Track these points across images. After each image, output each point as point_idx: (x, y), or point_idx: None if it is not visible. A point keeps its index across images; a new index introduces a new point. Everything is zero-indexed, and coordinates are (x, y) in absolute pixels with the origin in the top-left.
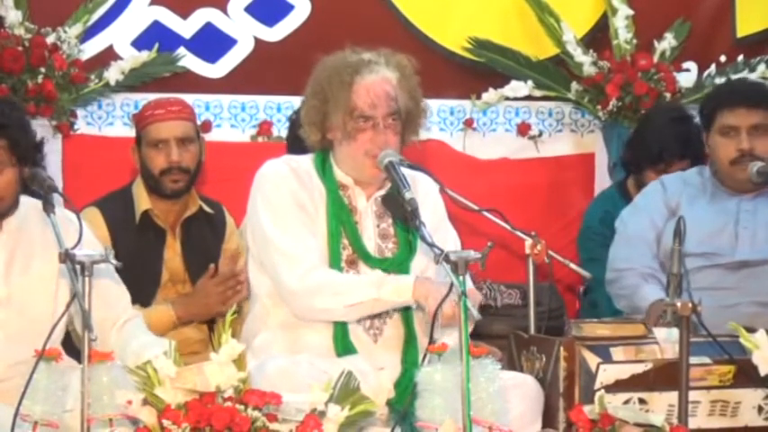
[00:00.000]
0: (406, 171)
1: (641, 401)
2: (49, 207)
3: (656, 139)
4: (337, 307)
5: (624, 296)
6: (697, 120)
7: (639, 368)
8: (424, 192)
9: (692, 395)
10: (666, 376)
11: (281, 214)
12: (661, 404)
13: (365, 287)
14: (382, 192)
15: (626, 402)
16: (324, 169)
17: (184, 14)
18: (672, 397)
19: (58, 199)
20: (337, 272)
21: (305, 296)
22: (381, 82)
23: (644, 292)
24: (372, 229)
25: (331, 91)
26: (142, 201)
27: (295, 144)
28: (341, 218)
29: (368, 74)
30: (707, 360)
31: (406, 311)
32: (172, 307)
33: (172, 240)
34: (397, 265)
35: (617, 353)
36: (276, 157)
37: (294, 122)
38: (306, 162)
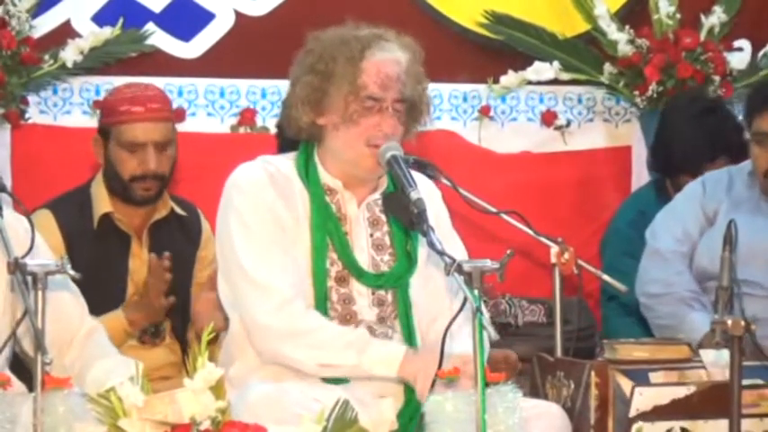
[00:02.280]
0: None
1: (684, 431)
2: None
3: (677, 142)
4: (309, 363)
5: (666, 326)
6: (728, 106)
7: (681, 392)
8: (426, 194)
9: (744, 424)
10: (713, 401)
11: (256, 236)
12: None
13: (346, 349)
14: (375, 195)
15: None
16: (307, 171)
17: None
18: (720, 426)
19: (5, 199)
20: (317, 316)
21: (276, 337)
22: (393, 62)
23: (691, 320)
24: (365, 240)
25: (336, 65)
26: (102, 203)
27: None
28: (327, 228)
29: (379, 51)
30: (761, 382)
31: (409, 331)
32: (122, 312)
33: (138, 248)
34: (395, 279)
35: (656, 378)
36: (258, 155)
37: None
38: (285, 164)
